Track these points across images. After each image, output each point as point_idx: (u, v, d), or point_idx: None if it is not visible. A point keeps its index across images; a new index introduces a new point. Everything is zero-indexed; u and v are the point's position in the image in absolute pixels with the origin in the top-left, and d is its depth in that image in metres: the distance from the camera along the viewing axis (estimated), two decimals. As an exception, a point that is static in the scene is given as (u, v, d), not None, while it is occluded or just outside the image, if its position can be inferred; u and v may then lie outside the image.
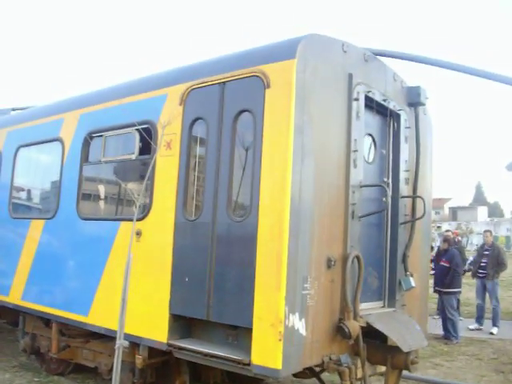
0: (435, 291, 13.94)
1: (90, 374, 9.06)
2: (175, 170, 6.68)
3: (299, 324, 5.60)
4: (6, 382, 8.45)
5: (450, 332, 13.11)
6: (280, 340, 5.38)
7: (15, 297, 9.13)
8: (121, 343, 5.71)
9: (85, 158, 8.15)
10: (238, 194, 6.19)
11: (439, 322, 13.91)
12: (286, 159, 5.59)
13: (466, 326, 14.74)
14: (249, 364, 5.66)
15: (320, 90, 6.07)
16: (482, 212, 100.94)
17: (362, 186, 6.55)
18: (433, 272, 13.82)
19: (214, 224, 6.23)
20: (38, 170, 9.73)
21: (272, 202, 5.65)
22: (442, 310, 13.83)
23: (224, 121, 6.31)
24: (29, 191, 9.97)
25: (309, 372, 7.48)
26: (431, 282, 12.03)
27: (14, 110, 12.48)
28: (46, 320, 8.87)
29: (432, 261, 14.02)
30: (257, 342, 5.59)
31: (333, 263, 6.04)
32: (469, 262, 16.69)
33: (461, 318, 14.88)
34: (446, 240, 14.26)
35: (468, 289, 19.76)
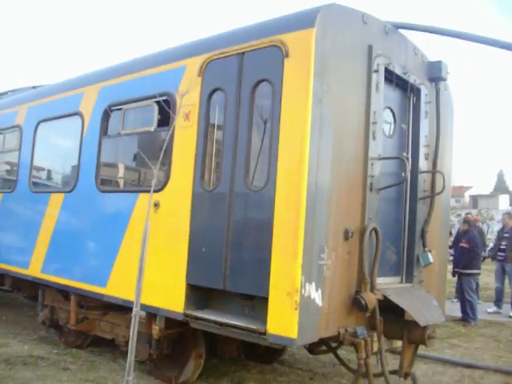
0: (454, 274, 13.83)
1: (108, 347, 9.16)
2: (193, 141, 6.67)
3: (315, 294, 5.59)
4: (25, 353, 8.56)
5: (468, 314, 13.02)
6: (296, 309, 5.38)
7: (35, 270, 9.22)
8: (137, 311, 5.74)
9: (104, 131, 8.17)
10: (256, 164, 6.16)
11: (457, 305, 13.83)
12: (304, 129, 5.55)
13: (484, 309, 14.67)
14: (264, 333, 5.65)
15: (339, 60, 6.01)
16: (504, 200, 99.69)
17: (380, 159, 6.50)
18: (451, 258, 13.72)
19: (231, 194, 6.22)
20: (57, 145, 9.78)
21: (289, 171, 5.63)
22: (460, 293, 13.73)
23: (242, 91, 6.28)
24: (48, 165, 10.04)
25: (325, 347, 7.52)
26: (449, 267, 11.93)
27: (34, 88, 12.54)
28: (65, 293, 8.96)
29: (451, 247, 13.91)
30: (272, 311, 5.59)
31: (350, 235, 6.01)
32: (489, 248, 16.55)
33: (479, 301, 14.78)
34: (466, 221, 14.12)
35: (487, 274, 19.62)
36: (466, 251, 13.27)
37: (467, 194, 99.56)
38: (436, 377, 8.63)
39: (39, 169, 10.04)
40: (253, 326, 5.79)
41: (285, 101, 5.78)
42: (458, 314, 13.44)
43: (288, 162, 5.65)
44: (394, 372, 6.72)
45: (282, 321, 5.48)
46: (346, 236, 5.99)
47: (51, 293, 9.36)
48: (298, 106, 5.63)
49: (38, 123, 9.72)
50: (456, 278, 14.21)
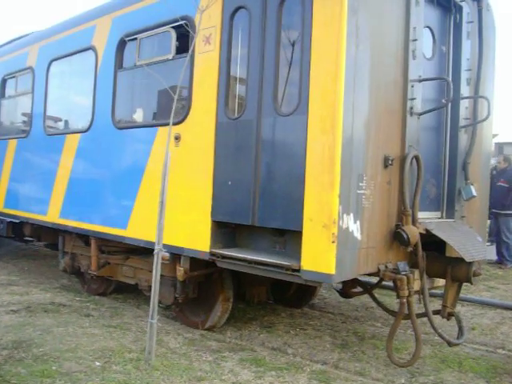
0: (490, 216, 13.14)
1: (132, 294, 8.88)
2: (215, 67, 6.12)
3: (354, 226, 5.10)
4: (47, 301, 8.26)
5: (504, 256, 12.49)
6: (333, 242, 4.90)
7: (53, 216, 8.88)
8: (160, 248, 5.37)
9: (119, 64, 7.63)
10: (286, 86, 5.60)
11: (491, 248, 13.23)
12: (339, 42, 4.96)
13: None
14: (298, 270, 5.20)
15: (375, -34, 5.37)
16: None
17: (421, 81, 5.91)
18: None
19: (258, 121, 5.70)
20: (71, 83, 9.29)
21: (324, 91, 5.07)
22: (496, 234, 13.14)
23: (268, 7, 5.69)
24: (63, 106, 9.56)
25: (360, 288, 7.10)
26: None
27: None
28: (85, 238, 8.62)
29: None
30: (307, 246, 5.12)
31: (390, 162, 5.47)
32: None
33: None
34: (506, 159, 13.35)
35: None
36: (506, 190, 12.60)
37: (492, 142, 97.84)
38: (475, 319, 8.21)
39: (53, 110, 9.55)
40: (286, 263, 5.34)
41: (316, 13, 5.18)
42: (493, 257, 12.90)
43: (322, 81, 5.08)
44: (436, 312, 6.26)
45: (318, 255, 5.02)
46: (386, 164, 5.46)
47: (71, 239, 9.03)
48: (332, 17, 5.03)
49: (51, 62, 9.24)
50: (489, 220, 13.59)
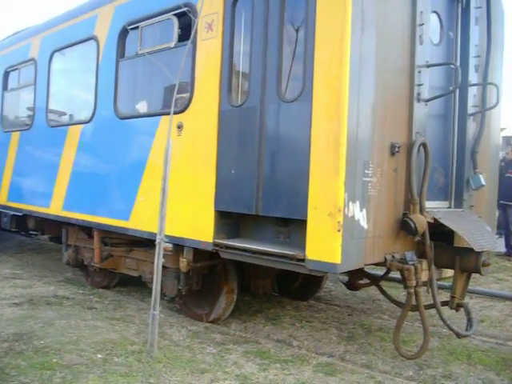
0: (499, 206, 12.96)
1: (136, 287, 8.78)
2: (218, 53, 5.99)
3: (360, 215, 4.98)
4: (50, 294, 8.18)
5: (512, 248, 12.33)
6: (339, 231, 4.77)
7: (56, 208, 8.79)
8: (161, 238, 5.26)
9: (121, 53, 7.52)
10: (290, 72, 5.47)
11: (501, 241, 13.06)
12: (343, 26, 4.82)
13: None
14: (303, 260, 5.09)
15: None
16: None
17: (428, 66, 5.77)
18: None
19: (262, 108, 5.57)
20: (73, 74, 9.16)
21: (328, 77, 4.94)
22: (504, 226, 12.96)
23: None
24: (65, 97, 9.45)
25: (367, 280, 6.98)
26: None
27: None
28: (88, 231, 8.53)
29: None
30: (312, 235, 5.00)
31: (397, 150, 5.33)
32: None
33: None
34: None
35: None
36: None
37: (500, 136, 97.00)
38: (484, 311, 8.09)
39: (56, 101, 9.44)
40: (290, 252, 5.22)
41: (320, -4, 5.05)
42: (501, 249, 12.73)
43: (326, 66, 4.95)
44: (444, 303, 6.13)
45: (323, 245, 4.90)
46: (392, 151, 5.32)
47: (74, 231, 8.93)
48: (336, 0, 4.90)
49: (53, 53, 9.13)
50: (498, 213, 13.40)
